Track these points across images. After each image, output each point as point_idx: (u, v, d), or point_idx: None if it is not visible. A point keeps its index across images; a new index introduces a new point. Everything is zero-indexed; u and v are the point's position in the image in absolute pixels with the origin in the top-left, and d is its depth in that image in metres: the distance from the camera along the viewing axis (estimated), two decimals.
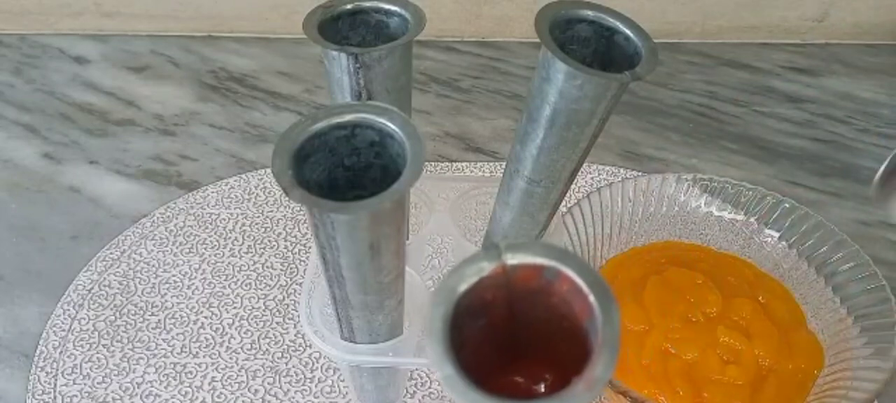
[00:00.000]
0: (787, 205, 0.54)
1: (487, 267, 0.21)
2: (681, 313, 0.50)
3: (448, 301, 0.21)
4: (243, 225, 0.65)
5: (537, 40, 0.33)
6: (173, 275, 0.61)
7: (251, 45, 0.87)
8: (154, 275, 0.61)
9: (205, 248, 0.63)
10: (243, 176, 0.70)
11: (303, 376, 0.55)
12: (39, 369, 0.55)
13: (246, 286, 0.61)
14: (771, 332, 0.49)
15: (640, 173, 0.68)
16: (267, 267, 0.62)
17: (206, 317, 0.58)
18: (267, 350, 0.56)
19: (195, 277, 0.61)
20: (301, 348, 0.56)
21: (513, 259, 0.21)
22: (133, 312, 0.59)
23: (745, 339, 0.48)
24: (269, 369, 0.55)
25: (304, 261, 0.62)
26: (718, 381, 0.47)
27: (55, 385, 0.54)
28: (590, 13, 0.35)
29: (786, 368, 0.48)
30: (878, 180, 0.43)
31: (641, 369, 0.48)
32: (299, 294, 0.59)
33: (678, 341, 0.48)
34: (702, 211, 0.56)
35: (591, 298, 0.21)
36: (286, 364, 0.55)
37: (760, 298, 0.52)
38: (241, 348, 0.56)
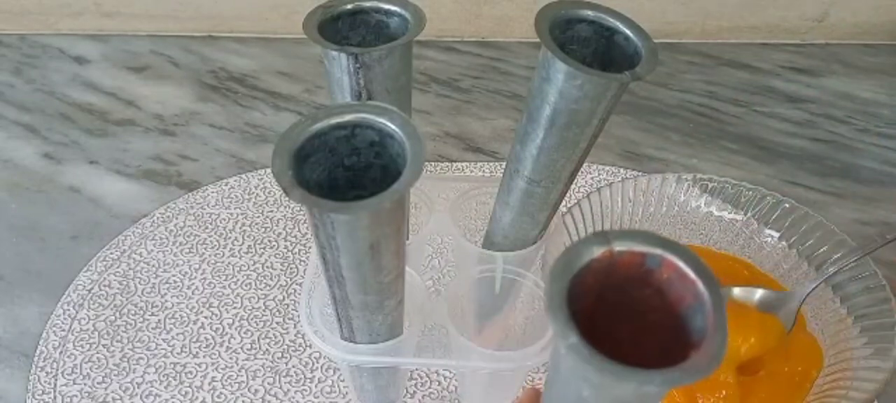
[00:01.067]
0: (787, 205, 0.54)
1: (597, 251, 0.22)
2: None
3: (565, 277, 0.22)
4: (243, 225, 0.65)
5: (537, 40, 0.33)
6: (173, 275, 0.61)
7: (251, 45, 0.87)
8: (154, 275, 0.61)
9: (205, 248, 0.63)
10: (243, 176, 0.70)
11: (303, 376, 0.55)
12: (39, 369, 0.55)
13: (246, 286, 0.61)
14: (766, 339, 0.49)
15: (640, 173, 0.68)
16: (267, 267, 0.62)
17: (206, 317, 0.58)
18: (267, 350, 0.56)
19: (195, 277, 0.61)
20: (301, 348, 0.56)
21: (620, 245, 0.23)
22: (133, 312, 0.59)
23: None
24: (269, 369, 0.55)
25: (304, 261, 0.62)
26: (712, 383, 0.47)
27: (55, 385, 0.54)
28: (590, 13, 0.35)
29: (781, 370, 0.48)
30: None
31: None
32: (299, 294, 0.59)
33: None
34: (702, 211, 0.56)
35: (700, 285, 0.22)
36: (286, 364, 0.55)
37: None
38: (241, 348, 0.56)
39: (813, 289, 0.48)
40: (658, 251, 0.23)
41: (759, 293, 0.49)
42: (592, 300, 0.23)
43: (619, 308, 0.23)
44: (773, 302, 0.49)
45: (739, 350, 0.47)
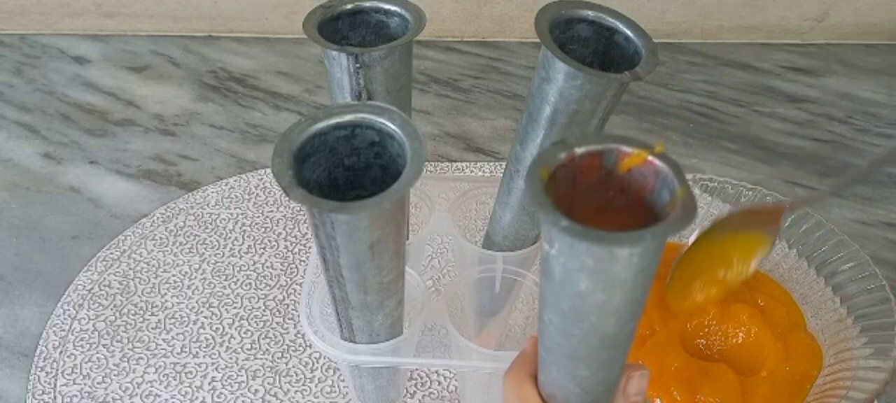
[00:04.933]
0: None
1: (562, 155, 0.25)
2: (681, 323, 0.50)
3: (539, 177, 0.24)
4: (243, 225, 0.65)
5: (537, 40, 0.33)
6: (173, 275, 0.61)
7: (251, 45, 0.87)
8: (154, 275, 0.61)
9: (205, 248, 0.63)
10: (243, 176, 0.70)
11: (303, 376, 0.55)
12: (39, 369, 0.55)
13: (246, 286, 0.61)
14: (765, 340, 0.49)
15: None
16: (267, 267, 0.62)
17: (206, 317, 0.58)
18: (267, 350, 0.56)
19: (195, 277, 0.61)
20: (301, 348, 0.56)
21: (580, 148, 0.25)
22: (133, 312, 0.59)
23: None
24: (269, 369, 0.55)
25: (304, 261, 0.62)
26: (713, 381, 0.47)
27: (55, 385, 0.54)
28: (590, 13, 0.35)
29: (781, 370, 0.48)
30: None
31: None
32: (299, 294, 0.59)
33: (676, 348, 0.49)
34: (702, 211, 0.56)
35: (657, 162, 0.25)
36: (286, 364, 0.55)
37: (759, 301, 0.52)
38: (241, 348, 0.56)
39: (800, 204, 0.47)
40: (613, 145, 0.25)
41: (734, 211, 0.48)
42: (566, 213, 0.24)
43: (589, 218, 0.25)
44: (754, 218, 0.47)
45: (724, 277, 0.46)
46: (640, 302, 0.25)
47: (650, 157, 0.25)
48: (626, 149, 0.25)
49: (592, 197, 0.26)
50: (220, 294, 0.60)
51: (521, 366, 0.33)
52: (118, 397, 0.53)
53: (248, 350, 0.56)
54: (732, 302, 0.51)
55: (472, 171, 0.71)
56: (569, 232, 0.22)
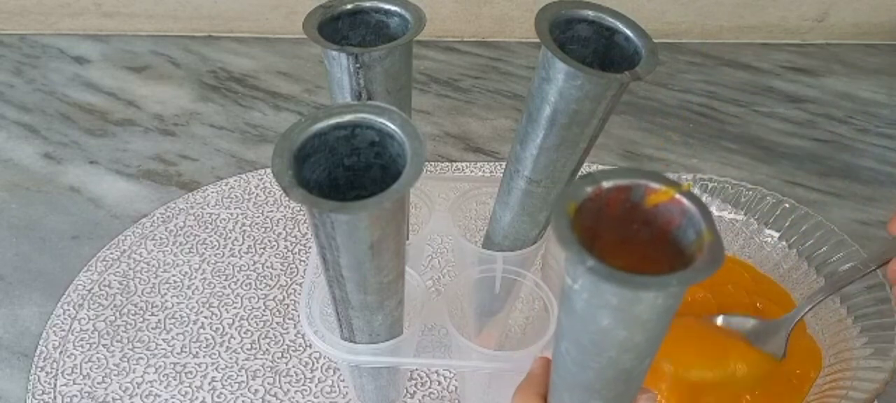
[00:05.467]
0: (787, 205, 0.54)
1: (589, 190, 0.25)
2: (679, 328, 0.50)
3: (565, 214, 0.24)
4: (243, 225, 0.65)
5: (537, 40, 0.33)
6: (173, 275, 0.61)
7: (251, 45, 0.87)
8: (154, 275, 0.61)
9: (205, 248, 0.63)
10: (243, 176, 0.70)
11: (303, 376, 0.55)
12: (39, 369, 0.55)
13: (246, 286, 0.61)
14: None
15: None
16: (267, 267, 0.62)
17: (206, 317, 0.58)
18: (267, 350, 0.56)
19: (195, 277, 0.61)
20: (301, 348, 0.56)
21: (607, 182, 0.25)
22: (133, 312, 0.59)
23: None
24: (269, 369, 0.55)
25: (304, 261, 0.62)
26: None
27: (55, 385, 0.54)
28: (590, 13, 0.35)
29: (779, 372, 0.48)
30: None
31: None
32: (299, 294, 0.59)
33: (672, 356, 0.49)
34: None
35: (686, 202, 0.25)
36: (286, 364, 0.55)
37: (758, 304, 0.52)
38: (241, 348, 0.56)
39: (799, 318, 0.48)
40: (641, 181, 0.25)
41: (751, 323, 0.49)
42: (589, 244, 0.24)
43: (612, 249, 0.25)
44: (762, 331, 0.49)
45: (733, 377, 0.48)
46: (660, 339, 0.26)
47: (678, 195, 0.25)
48: (653, 185, 0.25)
49: (616, 229, 0.26)
50: (220, 294, 0.60)
51: (530, 387, 0.33)
52: (118, 397, 0.53)
53: (248, 350, 0.56)
54: (729, 309, 0.51)
55: (472, 171, 0.71)
56: (594, 272, 0.22)
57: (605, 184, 0.25)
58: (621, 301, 0.23)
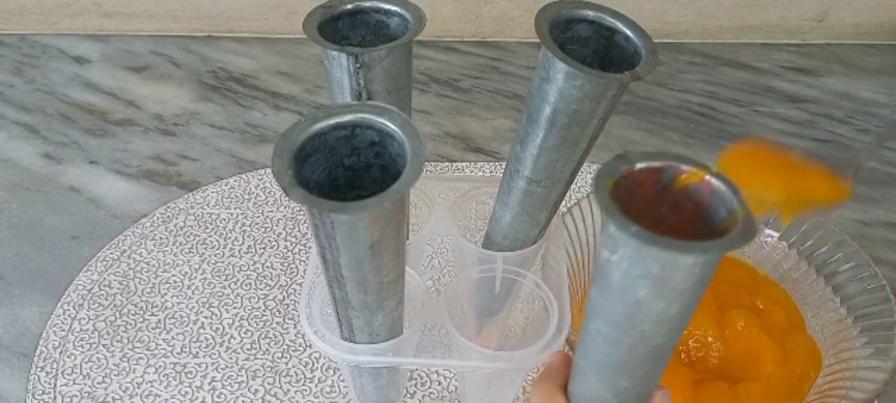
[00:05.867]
0: None
1: (623, 168, 0.26)
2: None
3: (604, 187, 0.25)
4: (243, 225, 0.65)
5: (537, 40, 0.33)
6: (173, 275, 0.61)
7: (251, 45, 0.87)
8: (154, 275, 0.61)
9: (205, 248, 0.63)
10: (243, 176, 0.70)
11: (303, 376, 0.55)
12: (39, 369, 0.55)
13: (246, 286, 0.61)
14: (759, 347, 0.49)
15: None
16: (267, 267, 0.62)
17: (206, 317, 0.58)
18: (267, 350, 0.56)
19: (195, 277, 0.61)
20: (301, 348, 0.56)
21: (640, 163, 0.27)
22: (133, 312, 0.59)
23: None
24: (269, 369, 0.55)
25: (304, 261, 0.62)
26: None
27: (55, 385, 0.54)
28: (590, 13, 0.35)
29: (779, 372, 0.48)
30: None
31: None
32: (299, 294, 0.59)
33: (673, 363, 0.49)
34: None
35: (715, 181, 0.26)
36: (286, 364, 0.55)
37: (759, 304, 0.52)
38: (241, 348, 0.56)
39: (863, 158, 0.45)
40: (673, 163, 0.27)
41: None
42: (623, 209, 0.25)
43: (646, 214, 0.26)
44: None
45: (812, 193, 0.44)
46: (691, 313, 0.26)
47: (708, 176, 0.26)
48: (684, 167, 0.27)
49: (647, 211, 0.27)
50: (220, 294, 0.60)
51: (549, 379, 0.33)
52: (118, 397, 0.53)
53: (248, 350, 0.56)
54: (729, 308, 0.51)
55: (472, 171, 0.71)
56: (638, 237, 0.23)
57: (639, 165, 0.27)
58: (662, 268, 0.24)
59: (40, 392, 0.53)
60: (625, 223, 0.24)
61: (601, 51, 0.36)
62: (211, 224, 0.65)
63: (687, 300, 0.25)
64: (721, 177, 0.26)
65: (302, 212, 0.66)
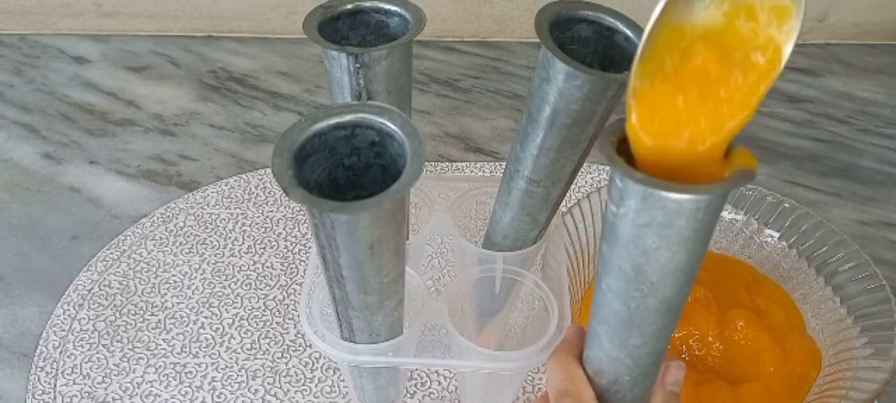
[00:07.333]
0: (787, 205, 0.54)
1: (626, 128, 0.27)
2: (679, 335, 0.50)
3: (609, 144, 0.27)
4: (243, 225, 0.65)
5: (537, 40, 0.33)
6: (173, 275, 0.61)
7: (251, 45, 0.87)
8: (154, 275, 0.61)
9: (205, 248, 0.63)
10: (243, 176, 0.70)
11: (303, 376, 0.55)
12: (39, 369, 0.55)
13: (246, 286, 0.61)
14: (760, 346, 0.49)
15: None
16: (267, 267, 0.62)
17: (206, 317, 0.58)
18: (267, 350, 0.56)
19: (195, 277, 0.61)
20: (301, 348, 0.56)
21: None
22: (133, 312, 0.59)
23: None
24: (269, 369, 0.55)
25: (304, 261, 0.62)
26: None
27: (55, 385, 0.54)
28: (590, 13, 0.35)
29: (779, 372, 0.48)
30: None
31: None
32: (299, 294, 0.59)
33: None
34: None
35: None
36: (286, 364, 0.55)
37: (759, 304, 0.52)
38: (241, 348, 0.56)
39: None
40: None
41: None
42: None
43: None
44: None
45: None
46: (697, 266, 0.27)
47: None
48: None
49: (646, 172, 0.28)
50: (220, 294, 0.60)
51: (565, 350, 0.35)
52: (118, 397, 0.53)
53: (248, 350, 0.56)
54: (729, 308, 0.51)
55: (472, 171, 0.71)
56: (645, 182, 0.24)
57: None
58: (666, 214, 0.25)
59: (40, 392, 0.53)
60: (630, 171, 0.25)
61: (601, 51, 0.36)
62: (211, 224, 0.65)
63: (691, 249, 0.26)
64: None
65: (302, 212, 0.66)
